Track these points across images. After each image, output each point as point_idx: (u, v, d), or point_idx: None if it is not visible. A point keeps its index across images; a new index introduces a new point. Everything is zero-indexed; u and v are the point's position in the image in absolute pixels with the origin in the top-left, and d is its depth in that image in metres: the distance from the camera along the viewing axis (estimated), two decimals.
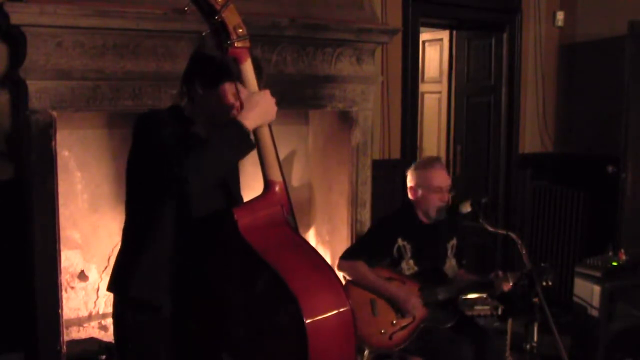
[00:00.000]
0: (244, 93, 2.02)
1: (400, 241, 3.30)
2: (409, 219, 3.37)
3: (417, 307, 3.20)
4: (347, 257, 3.33)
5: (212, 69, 2.06)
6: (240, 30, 1.96)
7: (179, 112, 2.15)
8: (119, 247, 2.23)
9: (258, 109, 1.99)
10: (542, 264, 3.19)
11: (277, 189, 2.05)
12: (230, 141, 1.95)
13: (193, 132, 2.07)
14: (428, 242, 3.34)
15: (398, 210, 3.62)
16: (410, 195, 3.39)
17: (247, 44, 1.99)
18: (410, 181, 3.39)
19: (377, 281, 3.22)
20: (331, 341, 1.86)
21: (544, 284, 3.13)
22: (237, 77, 2.03)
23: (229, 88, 2.06)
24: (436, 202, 3.31)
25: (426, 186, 3.31)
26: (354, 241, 4.13)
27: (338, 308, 1.89)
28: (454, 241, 3.43)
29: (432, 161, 3.41)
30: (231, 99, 2.06)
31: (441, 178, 3.32)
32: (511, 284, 3.19)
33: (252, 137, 2.00)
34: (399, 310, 3.21)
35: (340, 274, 3.44)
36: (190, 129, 2.08)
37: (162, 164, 1.92)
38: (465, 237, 3.57)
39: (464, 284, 3.33)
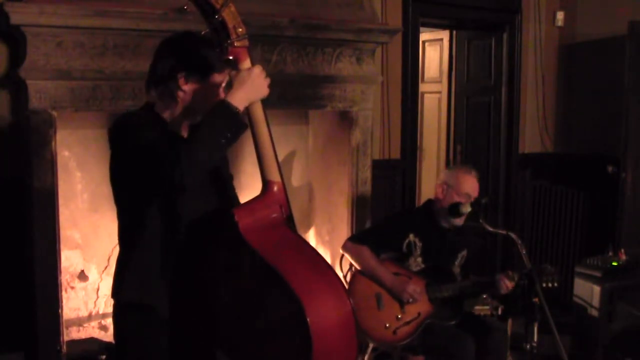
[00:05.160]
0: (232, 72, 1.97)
1: (412, 237, 3.30)
2: (427, 218, 3.39)
3: (416, 293, 3.19)
4: (354, 239, 3.34)
5: (199, 61, 2.01)
6: (240, 30, 1.95)
7: (152, 111, 2.09)
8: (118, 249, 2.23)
9: (246, 86, 1.93)
10: (549, 266, 3.19)
11: (275, 189, 2.04)
12: (220, 123, 1.88)
13: (171, 132, 2.05)
14: (440, 243, 3.35)
15: (418, 207, 3.67)
16: (436, 192, 3.39)
17: (247, 43, 1.98)
18: (440, 178, 3.42)
19: (377, 268, 3.22)
20: (334, 341, 1.86)
21: (549, 285, 3.14)
22: (224, 67, 2.01)
23: (219, 78, 2.03)
24: None
25: (455, 188, 3.31)
26: None
27: (340, 308, 1.89)
28: (464, 252, 3.44)
29: (470, 169, 3.42)
30: (221, 91, 2.03)
31: (472, 185, 3.33)
32: (515, 283, 3.20)
33: (245, 118, 1.95)
34: (401, 300, 3.20)
35: (342, 267, 3.46)
36: (166, 129, 2.05)
37: (150, 166, 1.88)
38: (475, 251, 3.59)
39: (469, 282, 3.34)
